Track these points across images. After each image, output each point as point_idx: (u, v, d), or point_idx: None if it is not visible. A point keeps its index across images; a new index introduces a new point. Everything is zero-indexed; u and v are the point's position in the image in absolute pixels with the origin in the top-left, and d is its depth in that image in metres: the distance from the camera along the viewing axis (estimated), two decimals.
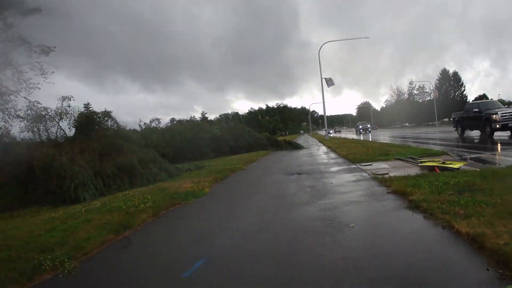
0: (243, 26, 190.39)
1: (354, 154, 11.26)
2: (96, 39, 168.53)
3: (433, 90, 57.15)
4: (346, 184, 6.49)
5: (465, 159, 8.11)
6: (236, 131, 22.17)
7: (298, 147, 20.38)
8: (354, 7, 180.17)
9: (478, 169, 6.08)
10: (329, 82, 29.95)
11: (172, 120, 32.27)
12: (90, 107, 14.21)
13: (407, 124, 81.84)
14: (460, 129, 17.51)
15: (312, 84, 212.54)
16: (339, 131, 73.53)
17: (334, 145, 17.90)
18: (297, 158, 13.51)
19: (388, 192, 5.30)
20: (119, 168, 10.73)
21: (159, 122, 23.86)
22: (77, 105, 12.77)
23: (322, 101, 30.85)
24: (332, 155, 13.25)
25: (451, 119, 22.38)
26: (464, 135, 17.34)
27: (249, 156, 15.95)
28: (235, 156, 17.82)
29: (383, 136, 28.27)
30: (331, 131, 69.07)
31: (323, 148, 18.55)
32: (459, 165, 6.86)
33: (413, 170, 7.16)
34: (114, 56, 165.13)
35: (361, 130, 44.35)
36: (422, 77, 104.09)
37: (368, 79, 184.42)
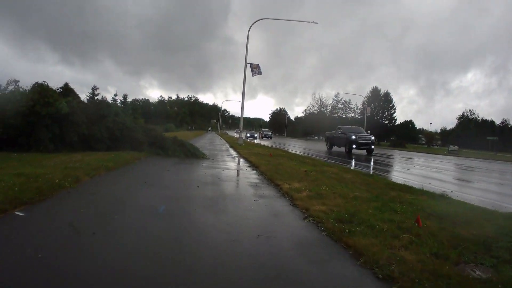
0: (170, 11, 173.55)
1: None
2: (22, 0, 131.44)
3: (365, 106, 55.50)
4: None
5: None
6: (95, 111, 12.15)
7: (196, 155, 11.64)
8: (286, 11, 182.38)
9: None
10: (255, 69, 22.45)
11: (35, 84, 19.51)
12: None
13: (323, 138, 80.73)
14: None
15: (227, 83, 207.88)
16: (269, 137, 51.97)
17: (266, 164, 9.82)
18: (189, 201, 4.88)
19: None
20: None
21: (17, 85, 12.96)
22: None
23: (241, 95, 23.04)
24: (285, 207, 4.85)
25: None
26: None
27: (76, 166, 6.44)
28: (55, 161, 7.89)
29: (306, 150, 22.05)
30: (255, 134, 51.42)
31: (243, 164, 10.38)
32: None
33: None
34: (37, 21, 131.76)
35: (354, 144, 20.57)
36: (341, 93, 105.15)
37: (286, 86, 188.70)
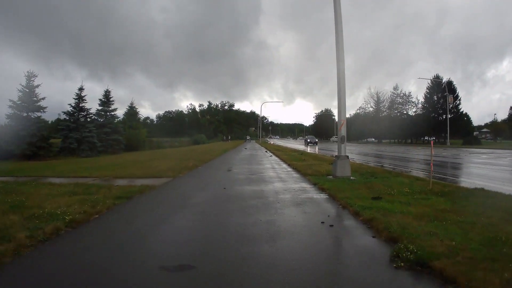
0: (199, 17, 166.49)
1: None
2: (44, 16, 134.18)
3: (447, 95, 41.00)
4: None
5: None
6: None
7: None
8: (318, 9, 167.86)
9: None
10: None
11: None
12: None
13: (382, 140, 65.56)
14: None
15: (264, 89, 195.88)
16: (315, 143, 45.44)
17: None
18: None
19: None
20: None
21: None
22: None
23: (335, 34, 10.61)
24: None
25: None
26: None
27: None
28: None
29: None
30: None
31: None
32: None
33: None
34: (62, 37, 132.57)
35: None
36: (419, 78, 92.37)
37: (323, 89, 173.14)
